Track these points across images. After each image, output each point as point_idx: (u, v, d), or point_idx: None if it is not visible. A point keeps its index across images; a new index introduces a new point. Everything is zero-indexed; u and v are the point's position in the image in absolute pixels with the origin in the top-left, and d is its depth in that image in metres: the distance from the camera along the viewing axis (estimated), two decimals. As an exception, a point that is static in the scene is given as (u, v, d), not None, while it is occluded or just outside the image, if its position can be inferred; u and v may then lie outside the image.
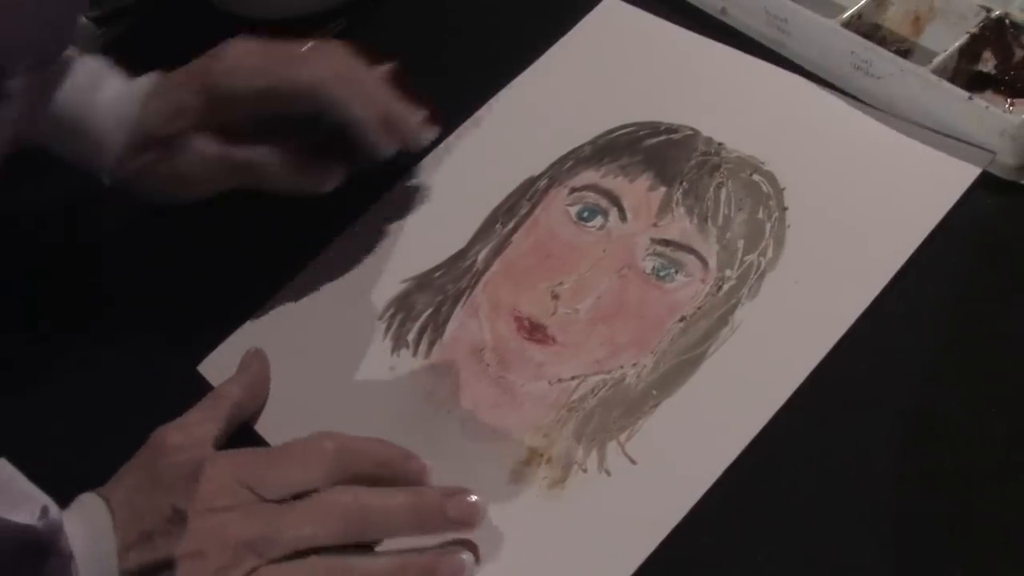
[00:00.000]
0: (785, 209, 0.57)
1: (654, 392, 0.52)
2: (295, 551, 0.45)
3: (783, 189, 0.57)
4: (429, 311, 0.57)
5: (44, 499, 0.43)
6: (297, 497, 0.47)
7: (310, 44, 0.58)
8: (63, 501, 0.45)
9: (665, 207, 0.58)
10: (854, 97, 0.61)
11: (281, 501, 0.47)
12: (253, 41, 0.57)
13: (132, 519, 0.45)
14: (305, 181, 0.57)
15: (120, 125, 0.57)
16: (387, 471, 0.49)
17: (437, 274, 0.59)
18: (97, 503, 0.46)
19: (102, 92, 0.57)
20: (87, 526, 0.44)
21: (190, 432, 0.49)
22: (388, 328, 0.57)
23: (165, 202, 0.58)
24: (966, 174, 0.56)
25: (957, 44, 0.60)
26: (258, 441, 0.53)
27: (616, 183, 0.60)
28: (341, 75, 0.55)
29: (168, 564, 0.45)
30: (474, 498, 0.47)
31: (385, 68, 0.58)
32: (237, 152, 0.56)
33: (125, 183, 0.58)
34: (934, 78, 0.58)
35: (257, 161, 0.56)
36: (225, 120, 0.56)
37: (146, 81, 0.58)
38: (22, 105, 0.53)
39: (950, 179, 0.56)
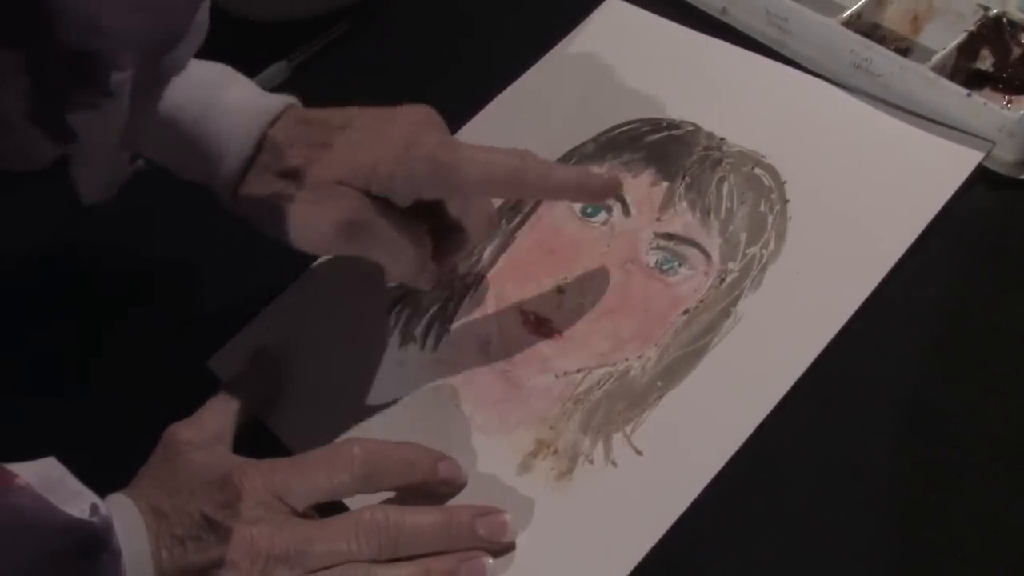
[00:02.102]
0: (787, 202, 0.57)
1: (658, 384, 0.52)
2: (326, 566, 0.46)
3: (784, 182, 0.58)
4: (436, 306, 0.58)
5: (92, 497, 0.43)
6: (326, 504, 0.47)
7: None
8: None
9: (668, 202, 0.59)
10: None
11: (308, 511, 0.47)
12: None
13: (162, 522, 0.46)
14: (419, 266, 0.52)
15: (245, 134, 0.49)
16: (416, 475, 0.49)
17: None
18: (128, 504, 0.46)
19: (228, 93, 0.50)
20: (123, 526, 0.44)
21: (202, 428, 0.50)
22: (396, 323, 0.57)
23: (278, 240, 0.51)
24: (966, 163, 0.57)
25: (955, 42, 0.61)
26: (267, 434, 0.54)
27: (619, 179, 0.60)
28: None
29: (201, 570, 0.45)
30: (505, 517, 0.48)
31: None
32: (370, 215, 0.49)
33: (240, 212, 0.51)
34: (933, 75, 0.59)
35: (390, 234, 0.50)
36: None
37: (283, 98, 0.51)
38: (130, 105, 0.45)
39: (950, 168, 0.57)
